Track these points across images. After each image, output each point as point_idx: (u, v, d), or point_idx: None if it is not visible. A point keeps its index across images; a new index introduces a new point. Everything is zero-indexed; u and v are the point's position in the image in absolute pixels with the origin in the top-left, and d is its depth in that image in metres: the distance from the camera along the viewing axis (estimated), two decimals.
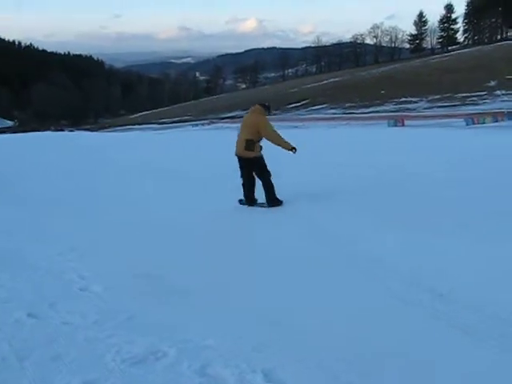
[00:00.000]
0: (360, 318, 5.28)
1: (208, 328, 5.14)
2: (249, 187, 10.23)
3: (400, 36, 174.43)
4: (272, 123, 10.01)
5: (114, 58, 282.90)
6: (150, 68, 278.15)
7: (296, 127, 46.29)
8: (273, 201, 10.01)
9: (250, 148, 9.77)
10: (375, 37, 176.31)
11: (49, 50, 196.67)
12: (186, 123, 79.82)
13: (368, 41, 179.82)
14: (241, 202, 10.50)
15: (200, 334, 4.99)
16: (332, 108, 78.53)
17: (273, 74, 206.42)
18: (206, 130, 60.72)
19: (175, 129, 68.42)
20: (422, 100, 71.23)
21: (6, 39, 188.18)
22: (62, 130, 79.94)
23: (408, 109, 66.28)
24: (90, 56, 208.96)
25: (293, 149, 9.77)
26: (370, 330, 4.99)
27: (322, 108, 79.91)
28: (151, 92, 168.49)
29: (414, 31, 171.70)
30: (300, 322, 5.25)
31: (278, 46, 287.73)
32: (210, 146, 29.98)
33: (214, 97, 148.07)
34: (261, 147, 10.02)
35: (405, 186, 12.80)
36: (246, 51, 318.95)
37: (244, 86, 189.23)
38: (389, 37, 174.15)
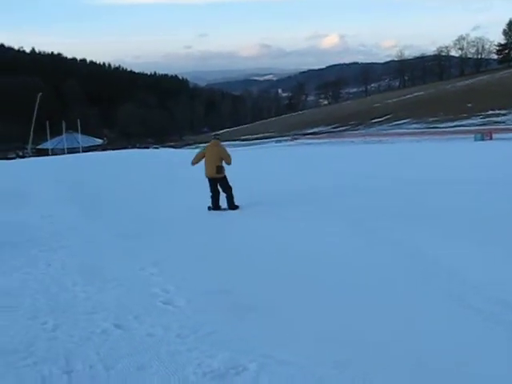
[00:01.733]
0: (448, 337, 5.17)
1: (287, 343, 5.18)
2: (216, 198, 13.64)
3: (487, 46, 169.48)
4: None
5: (198, 76, 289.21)
6: (233, 85, 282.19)
7: (379, 142, 45.67)
8: (232, 206, 13.48)
9: (220, 171, 13.40)
10: (460, 48, 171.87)
11: (136, 71, 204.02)
12: (269, 140, 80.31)
13: (453, 53, 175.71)
14: (209, 208, 13.77)
15: (279, 349, 5.05)
16: (415, 123, 77.20)
17: (355, 90, 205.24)
18: (289, 146, 60.91)
19: (258, 145, 69.00)
20: (511, 113, 68.88)
21: (98, 62, 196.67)
22: (147, 148, 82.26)
23: (496, 122, 64.19)
24: (176, 75, 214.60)
25: (230, 163, 13.41)
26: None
27: (405, 123, 78.74)
28: (234, 109, 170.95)
29: (502, 41, 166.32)
30: (378, 338, 5.20)
31: (360, 60, 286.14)
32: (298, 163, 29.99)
33: (297, 113, 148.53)
34: (224, 168, 13.49)
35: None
36: (327, 67, 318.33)
37: (326, 101, 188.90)
38: (475, 48, 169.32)
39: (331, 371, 4.59)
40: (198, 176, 14.56)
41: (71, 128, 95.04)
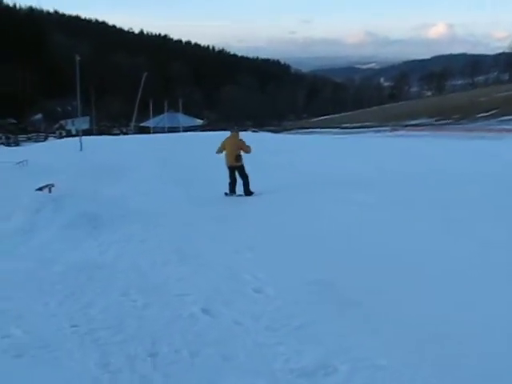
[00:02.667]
0: None
1: (383, 346, 4.85)
2: (234, 184, 14.63)
3: None
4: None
5: (300, 62, 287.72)
6: (335, 72, 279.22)
7: (482, 138, 43.67)
8: (248, 192, 14.43)
9: (238, 160, 14.45)
10: None
11: (239, 55, 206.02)
12: (368, 129, 78.85)
13: None
14: (226, 194, 14.69)
15: (374, 353, 4.71)
16: None
17: (461, 82, 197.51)
18: (388, 137, 59.54)
19: (356, 134, 67.88)
20: None
21: (202, 44, 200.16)
22: (245, 131, 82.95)
23: None
24: (278, 60, 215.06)
25: (250, 151, 14.68)
26: None
27: None
28: (335, 96, 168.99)
29: None
30: (490, 346, 4.78)
31: (468, 51, 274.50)
32: (391, 155, 29.17)
33: (398, 103, 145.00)
34: (243, 158, 14.56)
35: None
36: (433, 57, 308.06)
37: (430, 93, 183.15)
38: None
39: (429, 379, 4.25)
40: (295, 163, 14.34)
41: (173, 108, 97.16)
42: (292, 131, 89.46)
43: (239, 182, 14.74)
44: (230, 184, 14.66)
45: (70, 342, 5.15)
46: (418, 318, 5.44)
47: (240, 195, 14.58)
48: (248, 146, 14.67)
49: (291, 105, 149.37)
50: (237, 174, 14.60)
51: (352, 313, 5.70)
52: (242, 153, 14.61)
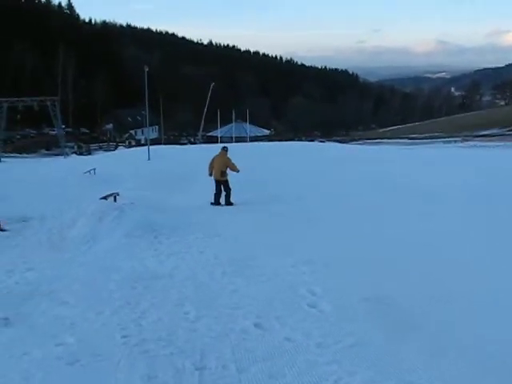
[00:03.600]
0: None
1: (436, 373, 4.60)
2: (218, 195, 16.00)
3: None
4: None
5: (369, 71, 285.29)
6: (404, 82, 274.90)
7: None
8: (228, 203, 15.76)
9: (223, 175, 15.98)
10: None
11: (307, 64, 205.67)
12: (437, 139, 77.17)
13: None
14: (212, 204, 15.89)
15: (427, 379, 4.49)
16: None
17: None
18: (458, 147, 58.06)
19: (425, 145, 66.52)
20: None
21: (270, 54, 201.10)
22: (312, 141, 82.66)
23: None
24: (346, 70, 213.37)
25: (238, 171, 16.29)
26: None
27: None
28: (403, 106, 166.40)
29: None
30: None
31: None
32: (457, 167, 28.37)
33: (469, 113, 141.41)
34: (227, 174, 16.07)
35: None
36: (507, 65, 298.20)
37: (503, 102, 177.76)
38: None
39: None
40: (357, 176, 14.09)
41: (241, 118, 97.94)
42: (360, 141, 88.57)
43: (224, 193, 16.09)
44: (215, 195, 16.07)
45: (119, 353, 5.15)
46: (482, 346, 5.15)
47: (223, 205, 15.80)
48: (234, 165, 16.26)
49: (359, 115, 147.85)
50: (222, 187, 16.05)
51: (410, 334, 5.47)
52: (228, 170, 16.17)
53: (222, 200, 15.94)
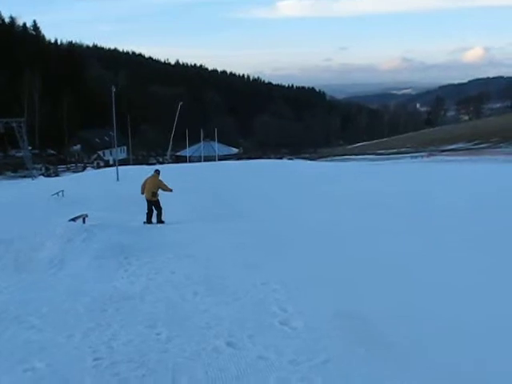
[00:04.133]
0: None
1: None
2: (150, 215, 16.94)
3: None
4: None
5: (336, 89, 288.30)
6: (371, 99, 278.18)
7: None
8: (160, 221, 16.75)
9: (154, 196, 16.97)
10: None
11: (274, 83, 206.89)
12: (404, 155, 78.17)
13: None
14: (144, 223, 16.70)
15: None
16: None
17: (499, 105, 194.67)
18: (425, 162, 58.83)
19: (392, 160, 67.32)
20: None
21: (237, 73, 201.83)
22: (281, 158, 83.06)
23: None
24: (313, 88, 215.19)
25: (171, 190, 17.46)
26: None
27: None
28: (370, 123, 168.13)
29: None
30: None
31: (505, 74, 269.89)
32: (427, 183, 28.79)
33: (435, 128, 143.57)
34: (158, 194, 17.12)
35: None
36: (469, 81, 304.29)
37: (467, 117, 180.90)
38: None
39: None
40: (333, 191, 14.20)
41: (209, 137, 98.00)
42: (327, 158, 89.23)
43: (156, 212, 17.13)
44: (147, 214, 16.99)
45: (90, 376, 5.08)
46: (456, 364, 5.18)
47: (155, 224, 16.57)
48: (166, 185, 17.39)
49: (326, 132, 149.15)
50: (153, 206, 17.03)
51: (381, 352, 5.47)
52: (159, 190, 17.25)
53: (154, 219, 16.96)
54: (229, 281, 8.54)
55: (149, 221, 16.83)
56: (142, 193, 17.42)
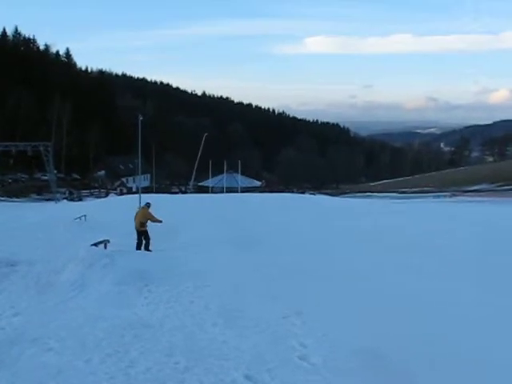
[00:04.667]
0: None
1: None
2: (139, 243, 17.78)
3: None
4: None
5: (360, 126, 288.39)
6: (394, 137, 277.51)
7: None
8: (147, 249, 17.34)
9: (143, 226, 17.84)
10: None
11: (299, 117, 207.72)
12: (427, 194, 77.62)
13: None
14: (136, 249, 17.32)
15: None
16: None
17: None
18: (448, 202, 58.34)
19: (415, 199, 66.86)
20: None
21: (263, 107, 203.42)
22: (303, 193, 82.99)
23: None
24: (337, 124, 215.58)
25: (160, 222, 18.08)
26: None
27: None
28: (393, 161, 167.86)
29: None
30: None
31: None
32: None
33: (459, 169, 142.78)
34: (147, 225, 17.95)
35: None
36: (494, 122, 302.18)
37: (491, 158, 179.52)
38: None
39: None
40: (354, 224, 14.11)
41: (232, 168, 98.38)
42: (350, 194, 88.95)
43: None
44: (136, 244, 17.87)
45: None
46: None
47: (144, 251, 17.17)
48: (154, 217, 18.22)
49: (350, 168, 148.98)
50: (142, 236, 17.91)
51: None
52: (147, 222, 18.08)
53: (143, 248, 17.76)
54: (248, 313, 8.50)
55: (138, 248, 17.62)
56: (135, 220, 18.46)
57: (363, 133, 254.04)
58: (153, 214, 18.38)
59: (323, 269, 12.83)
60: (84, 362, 6.25)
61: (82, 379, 5.70)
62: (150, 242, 17.77)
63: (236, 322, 7.92)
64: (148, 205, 18.98)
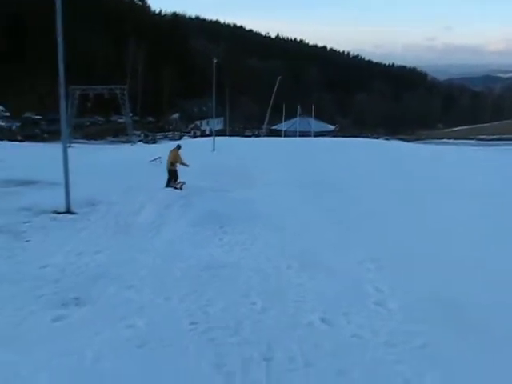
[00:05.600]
0: None
1: (506, 377, 4.48)
2: (169, 181, 18.24)
3: None
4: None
5: (438, 70, 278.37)
6: (474, 81, 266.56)
7: None
8: (168, 185, 17.96)
9: (173, 166, 18.46)
10: None
11: (374, 61, 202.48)
12: (507, 141, 74.75)
13: None
14: (165, 187, 17.99)
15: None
16: None
17: None
18: None
19: (494, 147, 64.56)
20: None
21: (337, 49, 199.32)
22: (377, 138, 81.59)
23: None
24: (414, 68, 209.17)
25: (187, 165, 18.62)
26: None
27: None
28: (472, 106, 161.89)
29: None
30: None
31: None
32: None
33: None
34: (176, 165, 18.60)
35: None
36: None
37: None
38: None
39: None
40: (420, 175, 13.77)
41: (306, 112, 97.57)
42: (425, 141, 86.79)
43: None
44: (167, 180, 18.56)
45: (186, 339, 5.22)
46: None
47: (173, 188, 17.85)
48: (182, 160, 18.78)
49: (426, 114, 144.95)
50: (170, 175, 18.68)
51: (475, 339, 5.31)
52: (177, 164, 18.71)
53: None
54: (322, 257, 8.53)
55: (168, 185, 18.29)
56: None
57: (441, 77, 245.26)
58: (182, 156, 18.95)
59: (398, 213, 12.70)
60: (164, 299, 6.45)
61: (163, 316, 5.89)
62: (179, 181, 18.33)
63: (311, 266, 7.96)
64: (178, 147, 19.48)
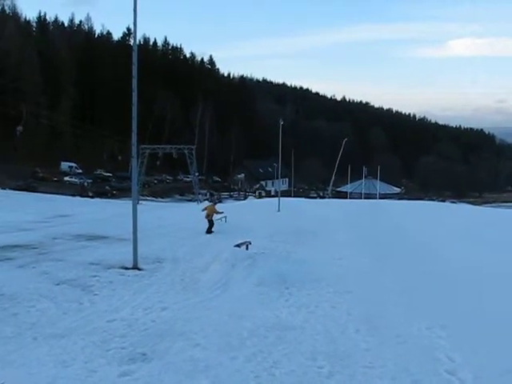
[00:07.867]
0: None
1: None
2: (209, 228, 21.75)
3: None
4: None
5: (507, 132, 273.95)
6: None
7: None
8: (208, 232, 21.41)
9: (209, 216, 22.06)
10: None
11: (441, 123, 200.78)
12: None
13: None
14: (206, 233, 21.56)
15: None
16: None
17: None
18: None
19: None
20: None
21: (403, 112, 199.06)
22: (444, 201, 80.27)
23: None
24: (481, 130, 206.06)
25: (222, 213, 23.56)
26: None
27: None
28: None
29: None
30: None
31: None
32: None
33: None
34: (213, 215, 22.50)
35: None
36: None
37: None
38: None
39: None
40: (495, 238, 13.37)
41: (371, 174, 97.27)
42: (493, 204, 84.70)
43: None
44: (208, 228, 21.77)
45: None
46: None
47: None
48: (217, 210, 23.14)
49: (494, 177, 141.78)
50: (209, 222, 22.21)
51: None
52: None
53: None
54: (391, 321, 8.33)
55: (208, 232, 21.51)
56: (203, 210, 23.43)
57: (510, 139, 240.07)
58: (217, 208, 23.41)
59: (473, 280, 12.28)
60: (230, 358, 6.41)
61: (228, 375, 5.84)
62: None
63: (378, 331, 7.79)
64: (215, 202, 26.88)
